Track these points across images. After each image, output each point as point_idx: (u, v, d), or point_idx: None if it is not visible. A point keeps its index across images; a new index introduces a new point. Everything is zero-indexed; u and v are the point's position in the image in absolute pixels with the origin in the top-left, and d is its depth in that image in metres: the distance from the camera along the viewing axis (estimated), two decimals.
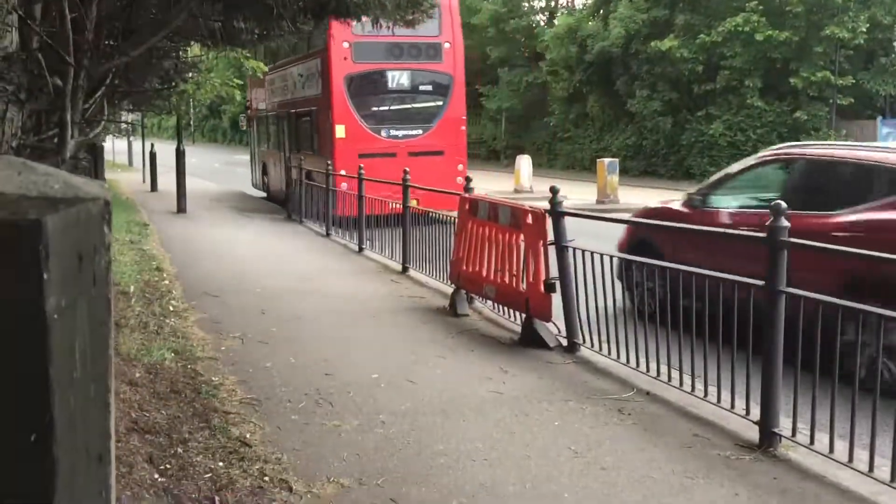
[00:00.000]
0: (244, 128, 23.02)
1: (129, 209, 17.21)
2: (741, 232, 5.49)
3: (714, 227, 7.41)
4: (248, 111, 20.43)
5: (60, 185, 0.60)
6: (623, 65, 32.96)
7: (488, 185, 23.70)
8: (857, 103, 27.36)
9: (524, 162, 25.01)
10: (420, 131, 16.62)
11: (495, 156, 43.43)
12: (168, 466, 4.25)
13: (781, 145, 9.87)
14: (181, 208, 18.09)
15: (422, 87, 16.93)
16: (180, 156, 18.77)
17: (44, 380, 0.50)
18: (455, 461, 4.60)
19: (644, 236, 8.08)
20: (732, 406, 5.19)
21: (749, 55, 28.41)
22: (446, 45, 16.90)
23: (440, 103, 16.89)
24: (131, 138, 36.48)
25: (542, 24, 44.34)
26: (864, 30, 25.98)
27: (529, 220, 7.28)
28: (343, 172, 14.27)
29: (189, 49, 10.24)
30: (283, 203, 17.89)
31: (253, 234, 15.37)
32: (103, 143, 6.80)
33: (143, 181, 25.51)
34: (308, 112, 17.40)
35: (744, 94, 29.00)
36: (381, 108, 16.67)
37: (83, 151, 2.96)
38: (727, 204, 8.08)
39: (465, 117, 17.83)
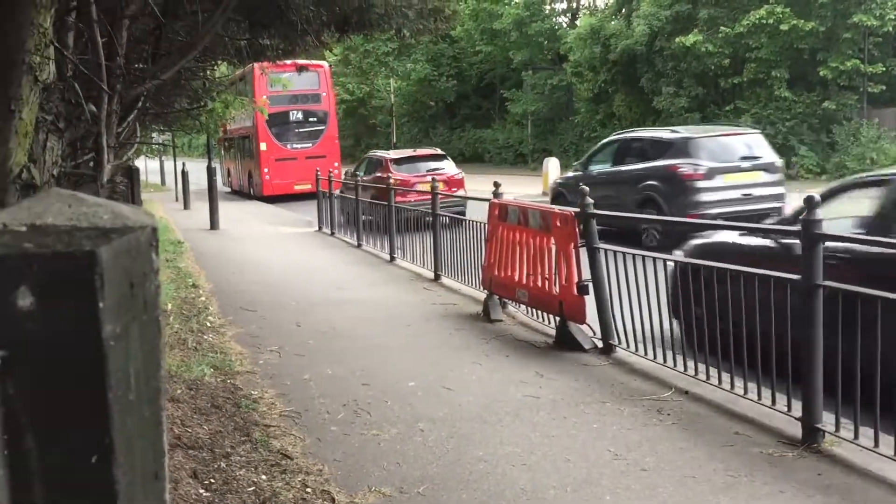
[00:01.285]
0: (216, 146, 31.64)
1: (163, 228, 17.45)
2: (777, 227, 5.43)
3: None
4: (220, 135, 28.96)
5: (109, 215, 0.62)
6: (648, 62, 32.77)
7: (516, 189, 23.68)
8: (888, 90, 26.91)
9: (552, 164, 24.97)
10: (310, 144, 27.89)
11: (522, 159, 43.37)
12: (212, 481, 4.30)
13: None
14: (214, 225, 18.31)
15: (310, 119, 28.12)
16: (211, 173, 19.02)
17: (103, 404, 0.53)
18: (494, 467, 4.60)
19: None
20: (774, 403, 5.13)
21: (775, 46, 28.09)
22: (323, 94, 28.04)
23: (322, 128, 28.24)
24: (163, 158, 37.22)
25: (564, 25, 44.27)
26: (893, 16, 25.56)
27: (559, 222, 7.27)
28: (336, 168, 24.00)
29: (217, 68, 10.38)
30: (241, 193, 28.25)
31: (285, 246, 15.51)
32: (138, 167, 6.91)
33: (176, 199, 25.85)
34: (247, 135, 28.55)
35: (771, 86, 28.66)
36: (287, 132, 27.80)
37: (120, 175, 3.03)
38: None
39: (337, 135, 29.34)
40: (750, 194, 9.36)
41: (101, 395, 0.53)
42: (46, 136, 1.49)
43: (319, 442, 5.00)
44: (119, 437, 0.54)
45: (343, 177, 20.53)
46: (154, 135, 15.67)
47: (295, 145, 27.57)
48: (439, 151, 19.46)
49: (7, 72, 1.13)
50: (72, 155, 2.35)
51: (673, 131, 13.88)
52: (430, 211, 11.13)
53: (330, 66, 30.41)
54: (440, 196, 11.27)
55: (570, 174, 15.73)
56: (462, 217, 10.74)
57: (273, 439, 4.96)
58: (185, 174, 24.69)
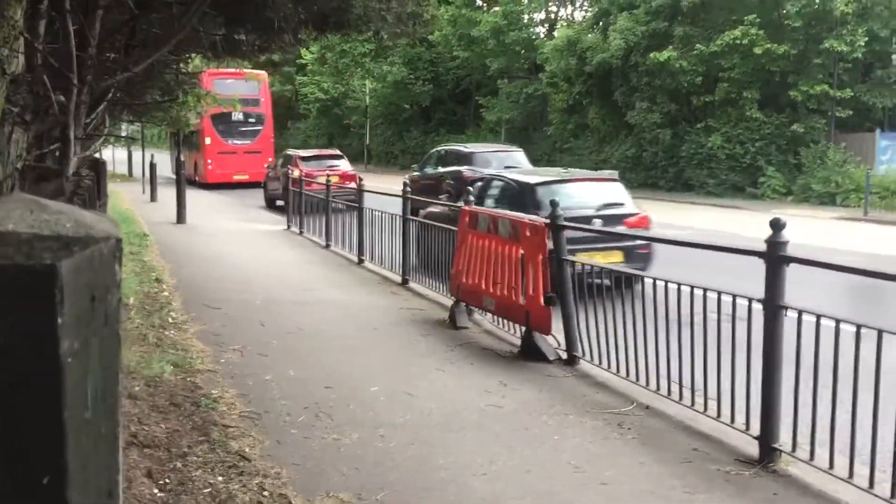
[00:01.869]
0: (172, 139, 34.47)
1: (128, 220, 17.21)
2: (743, 249, 5.49)
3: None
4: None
5: (72, 223, 0.60)
6: (622, 76, 33.03)
7: None
8: (855, 116, 27.39)
9: None
10: (248, 141, 32.23)
11: None
12: (167, 481, 4.24)
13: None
14: (181, 218, 18.11)
15: (249, 119, 31.93)
16: (179, 166, 18.82)
17: (58, 423, 0.51)
18: (455, 475, 4.59)
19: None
20: (732, 421, 5.18)
21: (748, 67, 28.47)
22: (262, 99, 31.75)
23: (259, 127, 32.59)
24: (131, 148, 36.80)
25: (542, 36, 44.49)
26: (863, 43, 26.04)
27: (528, 232, 7.29)
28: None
29: (190, 61, 10.27)
30: (189, 181, 26.01)
31: (252, 244, 15.38)
32: (105, 160, 6.81)
33: (143, 192, 25.53)
34: (195, 130, 29.72)
35: (742, 106, 29.04)
36: (229, 130, 31.59)
37: (86, 168, 2.97)
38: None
39: (272, 134, 33.82)
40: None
41: (56, 414, 0.51)
42: (12, 129, 1.46)
43: (279, 444, 4.95)
44: (74, 458, 0.52)
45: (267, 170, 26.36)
46: (123, 125, 15.48)
47: (235, 141, 32.15)
48: (338, 152, 25.99)
49: None
50: (37, 146, 2.30)
51: (465, 146, 21.20)
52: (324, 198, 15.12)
53: (306, 64, 39.28)
54: (333, 187, 15.86)
55: (415, 174, 21.03)
56: (354, 205, 13.13)
57: (231, 440, 4.90)
58: (153, 166, 24.42)
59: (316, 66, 53.58)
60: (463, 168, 18.34)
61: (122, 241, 0.63)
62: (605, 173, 14.26)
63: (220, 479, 4.32)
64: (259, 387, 6.10)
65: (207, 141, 31.71)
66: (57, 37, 2.74)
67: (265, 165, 27.70)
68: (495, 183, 11.89)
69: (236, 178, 30.98)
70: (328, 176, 17.55)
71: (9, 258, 0.51)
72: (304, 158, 23.44)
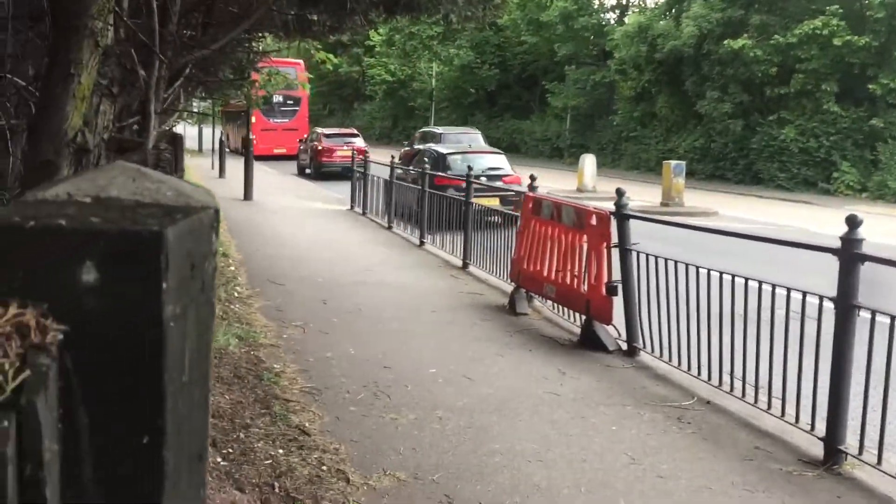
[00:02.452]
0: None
1: None
2: (816, 245, 5.35)
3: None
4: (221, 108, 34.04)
5: (173, 192, 0.62)
6: (694, 65, 32.34)
7: (551, 183, 23.55)
8: None
9: (588, 161, 24.77)
10: (287, 120, 36.05)
11: (559, 153, 43.15)
12: (230, 451, 4.35)
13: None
14: (248, 195, 18.43)
15: (288, 101, 35.24)
16: (248, 144, 19.13)
17: (158, 385, 0.53)
18: (510, 460, 4.60)
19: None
20: (797, 420, 5.07)
21: (826, 59, 27.60)
22: (299, 84, 30.62)
23: (296, 108, 36.32)
24: (201, 125, 38.36)
25: (612, 22, 43.84)
26: None
27: (594, 221, 7.22)
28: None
29: (262, 40, 10.41)
30: (236, 152, 31.68)
31: (316, 222, 15.58)
32: (181, 134, 6.95)
33: (212, 167, 26.05)
34: (243, 110, 27.67)
35: (819, 98, 28.17)
36: (271, 110, 34.01)
37: (164, 142, 3.05)
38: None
39: (307, 114, 37.89)
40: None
41: (157, 376, 0.52)
42: (100, 100, 1.50)
43: (338, 421, 5.03)
44: (171, 419, 0.53)
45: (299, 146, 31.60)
46: (195, 101, 15.78)
47: (276, 120, 36.20)
48: (354, 131, 32.33)
49: (69, 36, 1.13)
50: (117, 119, 2.36)
51: (437, 129, 27.41)
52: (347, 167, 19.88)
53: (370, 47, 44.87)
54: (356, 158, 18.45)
55: (406, 149, 23.93)
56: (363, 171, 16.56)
57: (292, 414, 5.00)
58: (222, 143, 24.89)
59: (384, 48, 53.79)
60: (432, 145, 21.30)
61: (220, 211, 0.64)
62: (492, 150, 20.08)
63: (280, 451, 4.40)
64: (320, 363, 6.20)
65: (253, 119, 36.30)
66: (139, 12, 2.80)
67: (298, 140, 33.09)
68: (427, 154, 17.13)
69: (276, 151, 35.99)
70: (346, 148, 24.91)
71: (115, 223, 0.53)
72: (326, 135, 29.46)
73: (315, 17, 9.07)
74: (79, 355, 0.52)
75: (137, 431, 0.53)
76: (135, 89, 2.11)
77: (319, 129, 31.16)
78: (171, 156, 2.35)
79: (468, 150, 18.05)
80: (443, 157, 16.69)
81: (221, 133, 35.96)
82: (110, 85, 1.66)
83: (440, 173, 13.90)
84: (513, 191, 12.80)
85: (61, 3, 1.19)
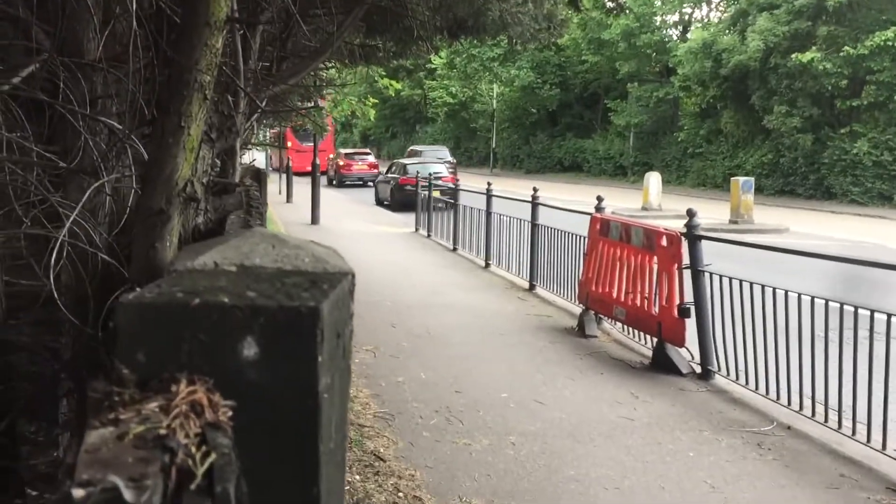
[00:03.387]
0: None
1: (268, 221, 17.92)
2: (886, 264, 5.18)
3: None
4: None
5: (310, 258, 0.64)
6: (760, 79, 31.74)
7: (615, 202, 23.36)
8: None
9: (653, 179, 24.48)
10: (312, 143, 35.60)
11: (622, 172, 42.78)
12: None
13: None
14: (315, 220, 18.72)
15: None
16: (315, 169, 19.46)
17: (314, 455, 0.54)
18: (586, 487, 4.54)
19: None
20: (884, 447, 4.90)
21: None
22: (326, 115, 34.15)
23: (325, 133, 36.29)
24: (266, 151, 40.00)
25: (674, 38, 43.40)
26: None
27: (664, 242, 7.13)
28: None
29: (330, 67, 10.60)
30: (277, 170, 36.29)
31: (382, 246, 15.72)
32: (266, 171, 7.14)
33: (280, 192, 26.54)
34: (280, 135, 32.03)
35: (892, 110, 27.34)
36: (303, 136, 38.33)
37: (248, 178, 3.13)
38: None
39: (333, 138, 43.80)
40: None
41: (313, 447, 0.54)
42: (199, 147, 1.55)
43: (412, 446, 5.04)
44: (324, 486, 0.55)
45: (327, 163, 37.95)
46: (265, 129, 16.15)
47: (308, 143, 37.39)
48: (367, 150, 42.29)
49: (180, 90, 1.18)
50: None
51: (418, 147, 37.75)
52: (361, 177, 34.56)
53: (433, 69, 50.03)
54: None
55: (396, 161, 29.97)
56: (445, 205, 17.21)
57: (367, 440, 5.03)
58: (288, 168, 25.37)
59: (445, 70, 54.22)
60: (413, 159, 29.13)
61: (355, 275, 0.66)
62: (438, 160, 29.50)
63: (357, 477, 4.44)
64: (391, 388, 6.23)
65: (289, 144, 41.01)
66: (224, 51, 2.88)
67: (327, 159, 39.19)
68: (396, 165, 26.51)
69: (308, 168, 41.54)
70: (360, 163, 36.76)
71: (271, 297, 0.55)
72: (346, 154, 39.27)
73: (380, 44, 9.22)
74: (241, 429, 0.54)
75: (296, 501, 0.54)
76: (231, 133, 2.18)
77: (342, 150, 40.60)
78: (258, 192, 2.41)
79: (422, 160, 27.90)
80: (403, 166, 25.88)
81: (266, 156, 40.16)
82: (209, 131, 1.72)
83: (404, 176, 24.46)
84: (448, 186, 18.67)
85: (172, 57, 1.24)
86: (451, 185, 18.00)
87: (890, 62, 26.87)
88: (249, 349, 0.54)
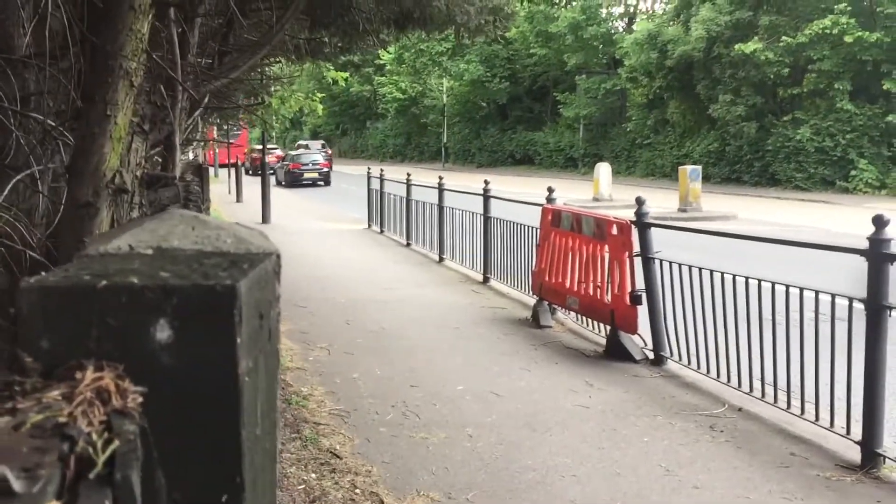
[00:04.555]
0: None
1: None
2: (842, 247, 5.28)
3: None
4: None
5: (232, 239, 0.61)
6: (705, 69, 32.27)
7: (567, 193, 23.52)
8: None
9: (603, 170, 24.72)
10: (234, 140, 36.24)
11: (573, 163, 43.14)
12: None
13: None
14: (265, 218, 18.52)
15: (234, 128, 36.51)
16: (264, 168, 19.25)
17: (236, 442, 0.51)
18: (543, 476, 4.56)
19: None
20: (832, 425, 5.00)
21: (838, 57, 27.46)
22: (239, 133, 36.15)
23: (240, 133, 37.67)
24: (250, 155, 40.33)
25: (620, 30, 43.88)
26: None
27: (615, 231, 7.18)
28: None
29: (275, 64, 10.48)
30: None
31: (335, 243, 15.62)
32: (206, 165, 6.99)
33: (229, 192, 26.20)
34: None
35: (833, 97, 28.01)
36: (224, 135, 37.44)
37: (190, 173, 3.06)
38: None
39: (247, 135, 41.07)
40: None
41: (235, 432, 0.52)
42: (132, 138, 1.51)
43: (368, 442, 5.01)
44: (248, 474, 0.52)
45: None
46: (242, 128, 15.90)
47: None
48: (276, 146, 45.58)
49: (104, 77, 1.13)
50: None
51: (303, 141, 47.88)
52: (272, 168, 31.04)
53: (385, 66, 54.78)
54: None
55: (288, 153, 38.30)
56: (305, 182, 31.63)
57: (323, 437, 4.98)
58: (237, 167, 25.06)
59: (394, 65, 54.04)
60: (300, 150, 38.59)
61: (280, 255, 0.63)
62: (317, 151, 38.88)
63: (313, 475, 4.39)
64: (347, 385, 6.19)
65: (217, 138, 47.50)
66: (159, 45, 2.81)
67: (244, 153, 41.73)
68: (287, 156, 37.61)
69: (225, 161, 43.14)
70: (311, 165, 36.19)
71: (185, 278, 0.52)
72: (295, 155, 39.54)
73: (326, 40, 9.13)
74: (155, 415, 0.51)
75: (217, 490, 0.52)
76: (164, 125, 2.12)
77: (292, 152, 40.82)
78: (198, 187, 2.36)
79: (302, 151, 36.57)
80: (293, 156, 35.48)
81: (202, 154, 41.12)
82: (142, 122, 1.67)
83: (293, 163, 32.96)
84: (322, 170, 32.05)
85: (94, 44, 1.19)
86: (325, 169, 31.95)
87: (829, 50, 27.50)
88: (162, 332, 0.51)
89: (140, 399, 0.49)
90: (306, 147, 42.96)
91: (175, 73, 2.35)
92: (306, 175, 34.27)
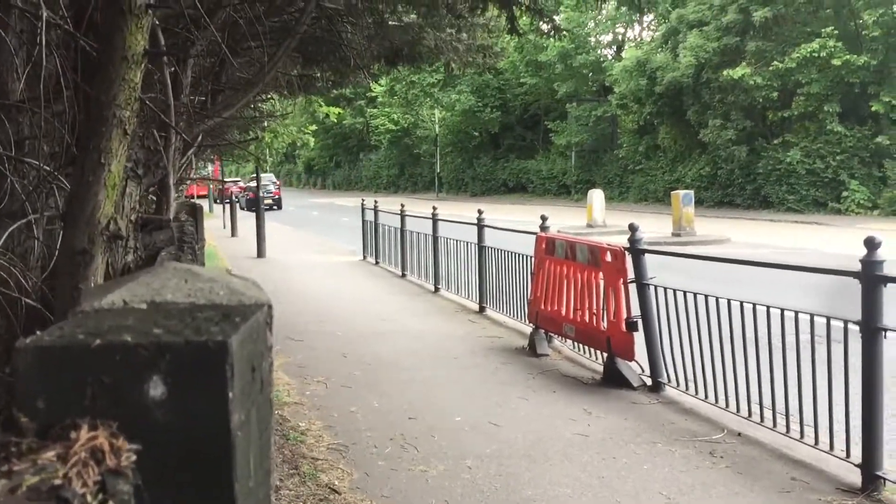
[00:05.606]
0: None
1: (212, 256, 17.70)
2: (834, 269, 5.30)
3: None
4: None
5: (225, 290, 0.62)
6: (694, 94, 32.56)
7: (560, 220, 23.61)
8: None
9: (596, 196, 24.82)
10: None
11: (566, 190, 43.31)
12: None
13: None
14: (261, 252, 18.51)
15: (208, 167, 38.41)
16: (259, 202, 19.29)
17: (230, 496, 0.52)
18: None
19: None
20: (831, 448, 4.99)
21: (826, 80, 27.75)
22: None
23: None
24: (211, 185, 39.64)
25: (609, 58, 44.29)
26: None
27: (609, 257, 7.21)
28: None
29: (268, 99, 10.56)
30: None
31: (331, 275, 15.61)
32: (200, 203, 7.01)
33: (224, 227, 26.22)
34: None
35: (822, 120, 28.27)
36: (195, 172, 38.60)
37: (184, 213, 3.07)
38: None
39: (219, 171, 41.60)
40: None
41: (228, 486, 0.52)
42: (125, 183, 1.52)
43: (367, 477, 4.98)
44: None
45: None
46: (204, 163, 15.97)
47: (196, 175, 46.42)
48: (239, 178, 53.91)
49: (98, 126, 1.15)
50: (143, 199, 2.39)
51: (263, 175, 36.00)
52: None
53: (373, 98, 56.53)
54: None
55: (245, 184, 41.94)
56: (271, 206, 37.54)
57: (321, 473, 4.95)
58: (232, 203, 25.12)
59: (386, 97, 54.38)
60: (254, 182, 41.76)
61: (272, 306, 0.64)
62: (271, 182, 45.50)
63: None
64: (344, 418, 6.16)
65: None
66: (152, 86, 2.84)
67: (209, 187, 46.36)
68: (247, 187, 41.59)
69: (199, 194, 44.52)
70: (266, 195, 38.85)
71: (178, 334, 0.53)
72: (227, 181, 44.73)
73: (318, 75, 9.22)
74: (150, 472, 0.51)
75: None
76: (158, 168, 2.14)
77: (251, 184, 45.07)
78: (192, 227, 2.37)
79: (262, 184, 39.29)
80: (250, 187, 37.36)
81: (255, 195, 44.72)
82: (135, 167, 1.68)
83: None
84: (274, 197, 42.93)
85: (88, 94, 1.21)
86: (276, 196, 38.88)
87: (817, 73, 27.79)
88: (156, 389, 0.52)
89: (134, 457, 0.50)
90: (262, 180, 54.43)
91: (168, 115, 2.37)
92: (264, 201, 43.63)
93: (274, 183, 48.76)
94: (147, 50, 1.32)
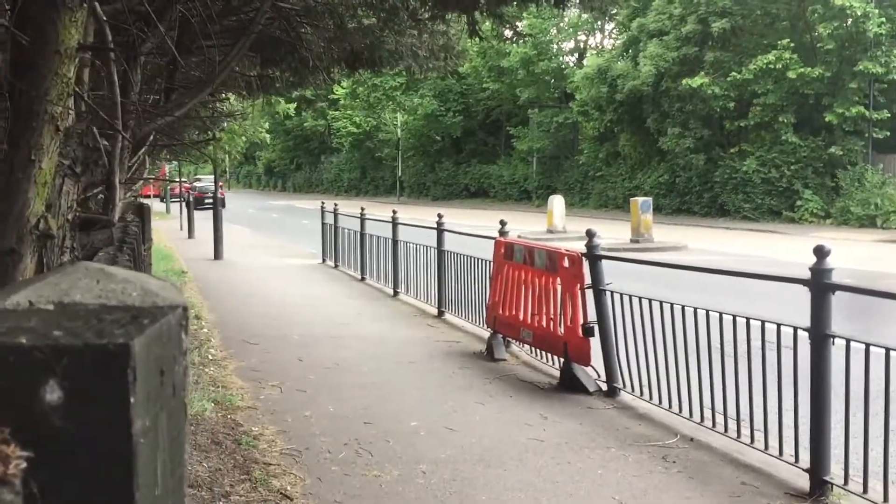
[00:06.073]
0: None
1: (168, 257, 17.45)
2: (784, 277, 5.39)
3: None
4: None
5: (139, 292, 0.60)
6: (654, 103, 32.97)
7: (521, 225, 23.72)
8: (893, 136, 27.04)
9: (556, 202, 24.99)
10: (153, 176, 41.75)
11: (527, 196, 43.53)
12: None
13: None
14: (218, 255, 18.29)
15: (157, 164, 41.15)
16: (216, 203, 19.08)
17: None
18: None
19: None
20: (781, 453, 5.06)
21: (782, 91, 28.29)
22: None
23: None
24: (168, 186, 38.86)
25: (571, 65, 44.66)
26: None
27: (566, 263, 7.24)
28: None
29: (226, 100, 10.45)
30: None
31: (289, 278, 15.48)
32: (148, 204, 6.90)
33: (181, 228, 25.89)
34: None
35: (777, 129, 28.82)
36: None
37: (130, 213, 3.00)
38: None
39: (165, 172, 41.42)
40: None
41: (128, 494, 0.50)
42: (62, 181, 1.48)
43: (320, 482, 4.93)
44: None
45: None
46: (161, 163, 15.76)
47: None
48: (185, 179, 45.09)
49: (28, 122, 1.12)
50: (83, 193, 2.33)
51: (203, 176, 49.04)
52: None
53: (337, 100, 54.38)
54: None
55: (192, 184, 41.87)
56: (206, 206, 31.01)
57: (273, 478, 4.89)
58: (189, 203, 24.81)
59: (348, 100, 54.19)
60: (200, 183, 44.12)
61: (189, 308, 0.62)
62: (211, 182, 40.56)
63: None
64: (299, 423, 6.10)
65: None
66: (100, 84, 2.79)
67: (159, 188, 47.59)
68: (193, 186, 39.20)
69: (149, 194, 49.05)
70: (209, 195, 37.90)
71: (78, 336, 0.51)
72: (201, 186, 45.19)
73: (277, 75, 9.13)
74: (44, 482, 0.49)
75: None
76: (98, 166, 2.09)
77: (196, 184, 45.88)
78: (137, 228, 2.32)
79: (203, 182, 42.78)
80: (194, 187, 39.90)
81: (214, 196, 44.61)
82: (73, 165, 1.65)
83: (196, 192, 35.48)
84: (212, 195, 28.68)
85: (20, 89, 1.18)
86: (221, 195, 32.22)
87: (773, 84, 28.31)
88: (52, 393, 0.50)
89: (24, 465, 0.48)
90: (202, 181, 53.45)
91: (115, 112, 2.32)
92: (206, 200, 41.77)
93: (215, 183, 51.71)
94: (81, 44, 1.29)
